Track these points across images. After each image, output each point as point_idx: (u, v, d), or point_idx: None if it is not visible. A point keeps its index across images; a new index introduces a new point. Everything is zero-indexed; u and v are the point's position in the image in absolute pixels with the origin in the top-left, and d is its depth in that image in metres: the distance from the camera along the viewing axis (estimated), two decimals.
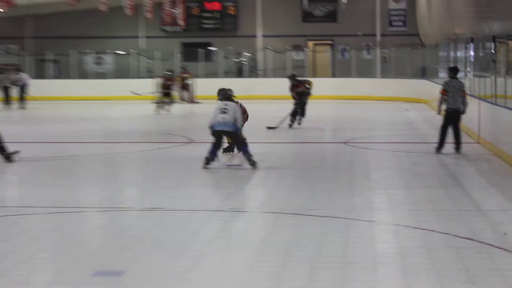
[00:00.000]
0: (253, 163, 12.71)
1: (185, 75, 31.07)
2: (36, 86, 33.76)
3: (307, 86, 19.96)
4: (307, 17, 38.01)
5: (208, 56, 37.93)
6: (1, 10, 22.59)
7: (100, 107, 29.54)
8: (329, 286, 6.43)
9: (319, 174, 13.08)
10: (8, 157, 13.27)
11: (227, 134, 13.01)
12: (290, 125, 19.55)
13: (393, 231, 8.81)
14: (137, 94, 28.85)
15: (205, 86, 30.68)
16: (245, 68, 38.08)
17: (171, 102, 27.35)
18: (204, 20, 39.79)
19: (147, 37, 40.04)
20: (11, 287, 6.71)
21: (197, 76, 32.95)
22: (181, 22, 36.82)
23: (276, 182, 12.33)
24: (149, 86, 30.51)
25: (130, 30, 39.21)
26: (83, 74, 37.48)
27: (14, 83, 28.78)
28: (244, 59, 38.34)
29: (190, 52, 37.72)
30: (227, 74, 37.35)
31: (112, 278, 6.82)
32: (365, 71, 35.06)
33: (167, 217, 9.61)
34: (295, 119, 19.74)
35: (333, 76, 36.78)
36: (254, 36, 38.98)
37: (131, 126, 23.36)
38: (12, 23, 38.88)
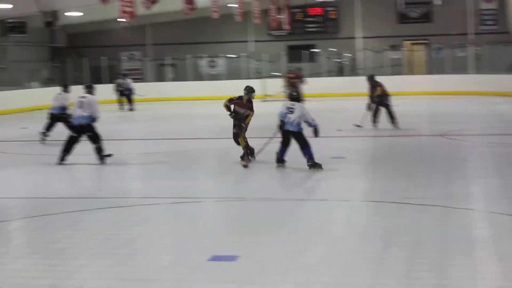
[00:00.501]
0: (313, 165, 12.22)
1: (291, 75, 31.07)
2: (156, 88, 35.49)
3: (379, 93, 18.40)
4: (403, 18, 37.49)
5: (312, 57, 37.86)
6: (125, 20, 22.92)
7: (214, 105, 29.15)
8: (427, 270, 6.38)
9: (417, 165, 12.95)
10: (102, 158, 13.38)
11: (291, 133, 12.61)
12: (374, 125, 18.40)
13: (488, 218, 8.62)
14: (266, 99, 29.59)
15: (309, 85, 30.62)
16: (346, 68, 37.86)
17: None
18: (308, 24, 39.28)
19: (256, 41, 39.56)
20: (132, 270, 6.87)
21: (302, 76, 32.83)
22: (286, 26, 36.67)
23: (376, 173, 12.30)
24: (259, 86, 30.37)
25: (240, 35, 39.20)
26: (198, 76, 38.07)
27: (124, 87, 29.82)
28: (345, 59, 38.19)
29: (295, 54, 37.68)
30: (329, 73, 37.39)
31: (227, 263, 6.87)
32: (459, 67, 34.52)
33: (277, 206, 9.65)
34: (375, 119, 18.46)
35: (429, 73, 36.44)
36: (354, 38, 38.64)
37: None
38: (134, 31, 39.05)
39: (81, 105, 13.71)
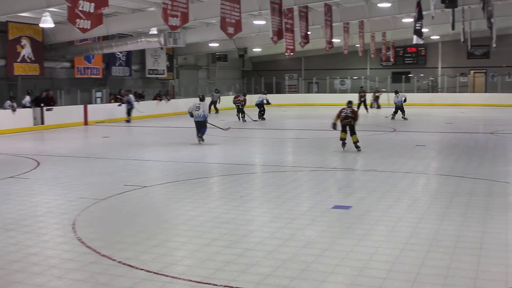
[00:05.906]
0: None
1: (377, 93, 34.74)
2: (306, 98, 40.10)
3: None
4: (470, 55, 39.74)
5: (408, 79, 40.36)
6: (287, 54, 22.62)
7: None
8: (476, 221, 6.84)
9: (473, 152, 13.67)
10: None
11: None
12: None
13: None
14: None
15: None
16: (430, 87, 40.67)
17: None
18: (406, 58, 42.23)
19: (371, 68, 42.80)
20: (283, 211, 7.60)
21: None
22: (392, 59, 39.75)
23: (446, 156, 13.03)
24: (370, 98, 33.43)
25: (361, 64, 42.02)
26: (333, 90, 41.66)
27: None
28: (429, 82, 40.84)
29: (396, 78, 40.39)
30: (418, 90, 39.98)
31: (343, 210, 7.57)
32: (508, 89, 37.46)
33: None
34: None
35: (486, 91, 39.30)
36: (437, 68, 41.64)
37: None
38: (294, 61, 43.57)
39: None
